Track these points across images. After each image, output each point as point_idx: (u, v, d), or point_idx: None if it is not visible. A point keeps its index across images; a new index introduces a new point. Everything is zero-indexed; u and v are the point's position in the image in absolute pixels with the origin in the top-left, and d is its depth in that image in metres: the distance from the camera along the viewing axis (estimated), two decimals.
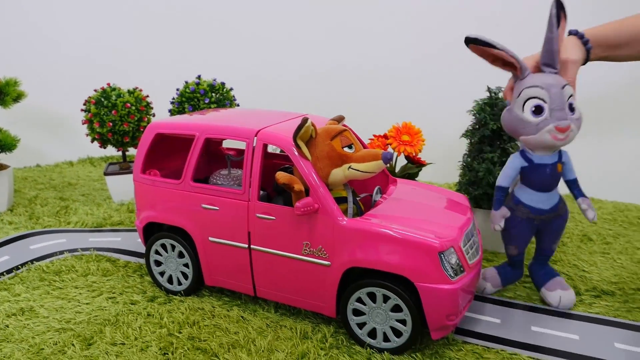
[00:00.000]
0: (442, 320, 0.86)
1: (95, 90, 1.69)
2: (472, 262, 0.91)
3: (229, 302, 1.08)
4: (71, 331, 0.98)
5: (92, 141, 1.69)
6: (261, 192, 1.01)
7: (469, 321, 1.02)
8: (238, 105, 1.79)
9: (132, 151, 2.06)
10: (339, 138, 0.92)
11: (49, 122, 2.38)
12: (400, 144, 1.44)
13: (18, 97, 1.70)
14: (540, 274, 1.09)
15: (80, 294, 1.13)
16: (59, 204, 1.71)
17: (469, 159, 1.37)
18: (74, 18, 2.29)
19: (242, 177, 0.97)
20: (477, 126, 1.35)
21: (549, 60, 0.93)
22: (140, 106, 1.67)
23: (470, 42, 0.91)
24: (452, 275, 0.85)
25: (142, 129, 1.69)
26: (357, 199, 1.00)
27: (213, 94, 1.67)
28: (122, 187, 1.74)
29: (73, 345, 0.93)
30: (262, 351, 0.91)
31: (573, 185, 1.02)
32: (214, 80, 1.71)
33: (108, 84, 1.70)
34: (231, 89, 1.75)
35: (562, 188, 1.03)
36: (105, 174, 1.72)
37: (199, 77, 1.71)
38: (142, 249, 1.36)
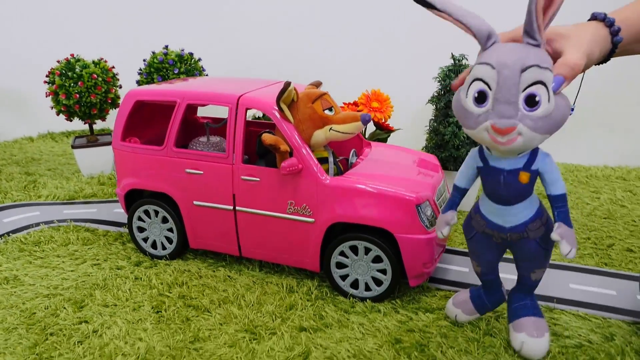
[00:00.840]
0: (419, 268, 0.94)
1: (58, 62, 1.65)
2: None
3: (214, 264, 1.12)
4: (60, 296, 1.00)
5: (58, 114, 1.66)
6: None
7: (441, 271, 1.10)
8: (207, 75, 1.80)
9: (99, 124, 2.04)
10: (320, 101, 0.96)
11: (4, 97, 2.29)
12: (370, 110, 1.50)
13: None
14: (513, 306, 0.85)
15: (63, 262, 1.14)
16: (26, 178, 1.68)
17: (435, 124, 1.45)
18: None
19: (226, 141, 1.00)
20: (443, 92, 1.42)
21: (528, 26, 0.63)
22: (107, 77, 1.65)
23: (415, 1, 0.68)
24: (428, 226, 0.92)
25: (109, 101, 1.67)
26: (337, 160, 1.05)
27: (182, 64, 1.66)
28: (90, 161, 1.72)
29: (65, 308, 0.95)
30: (252, 305, 0.97)
31: (553, 203, 0.73)
32: (182, 50, 1.70)
33: (72, 55, 1.66)
34: (199, 60, 1.75)
35: None
36: (73, 147, 1.70)
37: (166, 47, 1.69)
38: (119, 218, 1.37)
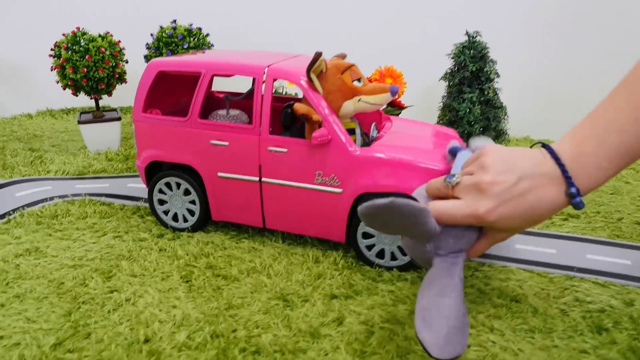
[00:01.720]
0: None
1: (63, 35, 1.61)
2: None
3: (237, 236, 1.13)
4: (87, 267, 0.99)
5: (64, 88, 1.63)
6: None
7: None
8: None
9: (105, 99, 2.00)
10: (349, 72, 0.97)
11: (0, 73, 2.24)
12: None
13: None
14: None
15: (83, 234, 1.13)
16: (31, 154, 1.66)
17: (448, 100, 1.46)
18: None
19: (253, 112, 1.00)
20: (457, 68, 1.44)
21: None
22: (114, 51, 1.62)
23: None
24: None
25: (117, 76, 1.65)
26: (363, 131, 1.06)
27: (191, 39, 1.64)
28: (97, 136, 1.70)
29: (93, 278, 0.95)
30: (281, 274, 0.98)
31: None
32: (191, 25, 1.68)
33: (77, 28, 1.63)
34: (207, 35, 1.73)
35: None
36: (80, 122, 1.67)
37: (174, 21, 1.67)
38: (134, 192, 1.36)
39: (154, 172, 1.16)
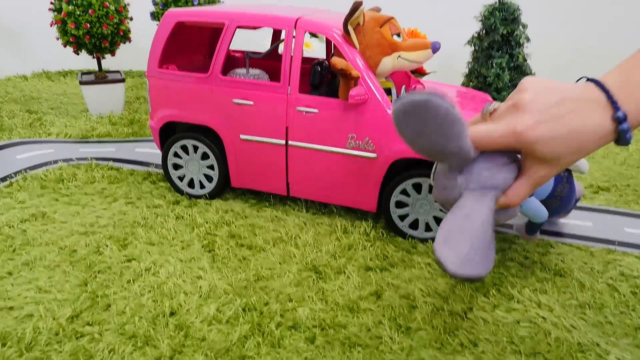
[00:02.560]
0: None
1: None
2: None
3: (257, 204, 1.06)
4: (99, 234, 0.92)
5: (65, 45, 1.53)
6: None
7: None
8: None
9: (108, 60, 1.89)
10: (388, 25, 0.88)
11: None
12: None
13: None
14: None
15: (92, 200, 1.05)
16: (29, 116, 1.56)
17: (475, 66, 1.38)
18: None
19: (281, 68, 0.92)
20: (485, 31, 1.35)
21: None
22: (119, 6, 1.51)
23: None
24: None
25: (121, 33, 1.55)
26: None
27: None
28: (99, 98, 1.60)
29: (107, 246, 0.88)
30: (310, 245, 0.91)
31: None
32: None
33: None
34: None
35: None
36: (81, 82, 1.57)
37: None
38: (143, 157, 1.28)
39: (168, 134, 1.08)
